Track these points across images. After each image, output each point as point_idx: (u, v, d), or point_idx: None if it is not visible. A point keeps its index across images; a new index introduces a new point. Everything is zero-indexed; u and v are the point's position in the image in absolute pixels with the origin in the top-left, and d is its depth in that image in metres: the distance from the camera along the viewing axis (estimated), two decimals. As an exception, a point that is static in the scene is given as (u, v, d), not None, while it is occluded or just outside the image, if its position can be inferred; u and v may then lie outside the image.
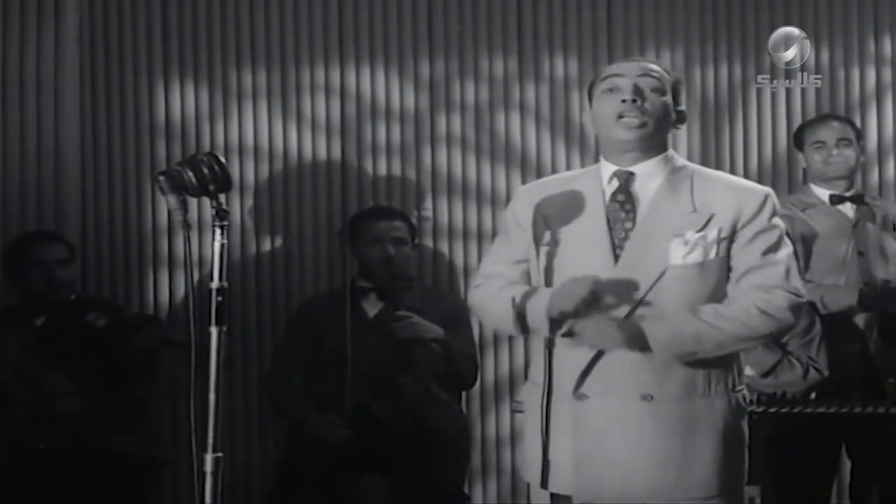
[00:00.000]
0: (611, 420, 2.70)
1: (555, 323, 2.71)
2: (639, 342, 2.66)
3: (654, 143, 2.77)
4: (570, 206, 2.79)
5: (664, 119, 2.77)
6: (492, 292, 2.86)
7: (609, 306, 2.69)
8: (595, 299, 2.65)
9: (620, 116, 2.73)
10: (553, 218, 2.79)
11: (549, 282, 2.78)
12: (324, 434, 4.10)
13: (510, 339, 4.73)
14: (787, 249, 2.75)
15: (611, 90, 2.76)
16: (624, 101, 2.72)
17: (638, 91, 2.73)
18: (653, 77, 2.76)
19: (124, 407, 4.10)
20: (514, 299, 2.78)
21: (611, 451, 2.71)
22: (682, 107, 2.85)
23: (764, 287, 2.69)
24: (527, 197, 2.88)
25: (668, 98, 2.77)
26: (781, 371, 3.97)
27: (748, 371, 3.88)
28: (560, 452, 2.75)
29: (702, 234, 2.70)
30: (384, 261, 4.17)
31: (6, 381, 4.07)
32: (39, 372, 4.04)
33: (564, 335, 2.72)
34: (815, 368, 3.99)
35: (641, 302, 2.69)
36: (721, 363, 2.75)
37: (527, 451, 2.86)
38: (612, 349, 2.69)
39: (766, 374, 3.96)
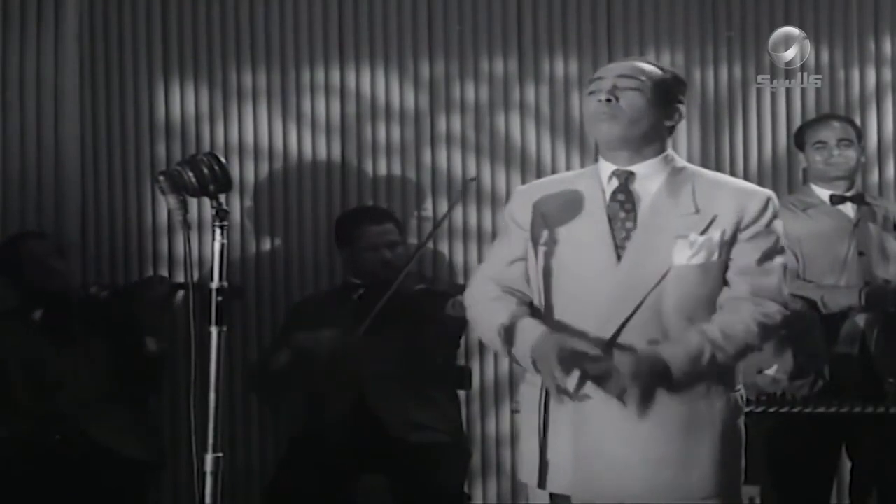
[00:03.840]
0: (611, 421, 2.70)
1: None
2: (661, 380, 2.65)
3: (646, 142, 2.76)
4: (569, 205, 2.78)
5: (646, 118, 2.74)
6: (483, 302, 2.85)
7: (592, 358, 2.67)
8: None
9: (597, 117, 2.75)
10: (552, 217, 2.79)
11: (547, 282, 2.77)
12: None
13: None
14: (781, 257, 2.76)
15: (592, 92, 2.78)
16: (599, 101, 2.74)
17: (613, 91, 2.73)
18: (631, 77, 2.75)
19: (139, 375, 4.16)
20: (501, 326, 2.76)
21: (610, 452, 2.70)
22: (678, 104, 2.81)
23: (759, 296, 2.70)
24: (525, 196, 2.88)
25: (652, 96, 2.75)
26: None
27: (772, 373, 3.87)
28: (559, 452, 2.75)
29: (706, 236, 2.71)
30: (382, 266, 4.22)
31: (11, 380, 4.08)
32: (49, 361, 4.05)
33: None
34: (821, 377, 3.98)
35: (641, 305, 2.69)
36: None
37: (523, 451, 2.85)
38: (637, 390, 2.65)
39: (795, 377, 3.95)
